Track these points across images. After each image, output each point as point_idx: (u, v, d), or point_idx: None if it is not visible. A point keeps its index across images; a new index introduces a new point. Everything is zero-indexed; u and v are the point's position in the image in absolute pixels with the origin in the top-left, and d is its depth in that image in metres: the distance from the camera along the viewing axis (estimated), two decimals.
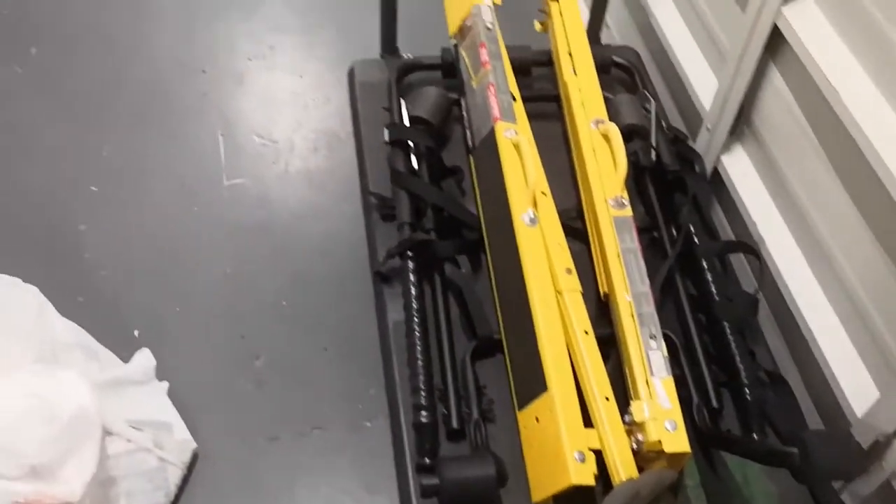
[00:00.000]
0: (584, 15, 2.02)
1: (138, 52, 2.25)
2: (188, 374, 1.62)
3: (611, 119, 1.58)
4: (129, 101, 2.13)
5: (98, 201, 1.92)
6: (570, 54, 1.69)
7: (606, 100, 1.65)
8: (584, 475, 1.15)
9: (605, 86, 1.68)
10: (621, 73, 1.87)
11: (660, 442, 1.17)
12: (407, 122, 1.67)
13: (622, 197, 1.45)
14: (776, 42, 1.47)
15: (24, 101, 2.09)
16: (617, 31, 2.18)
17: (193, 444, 1.51)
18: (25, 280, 1.46)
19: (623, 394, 1.29)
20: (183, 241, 1.87)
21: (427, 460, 1.26)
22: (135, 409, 1.46)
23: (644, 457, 1.21)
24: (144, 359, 1.53)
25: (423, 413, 1.29)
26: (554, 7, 1.77)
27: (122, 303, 1.74)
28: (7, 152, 1.99)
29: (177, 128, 2.08)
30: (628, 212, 1.44)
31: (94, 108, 2.10)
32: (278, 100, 2.18)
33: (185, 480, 1.49)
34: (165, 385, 1.55)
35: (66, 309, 1.54)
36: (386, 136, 1.65)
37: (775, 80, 1.52)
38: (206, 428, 1.55)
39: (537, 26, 1.85)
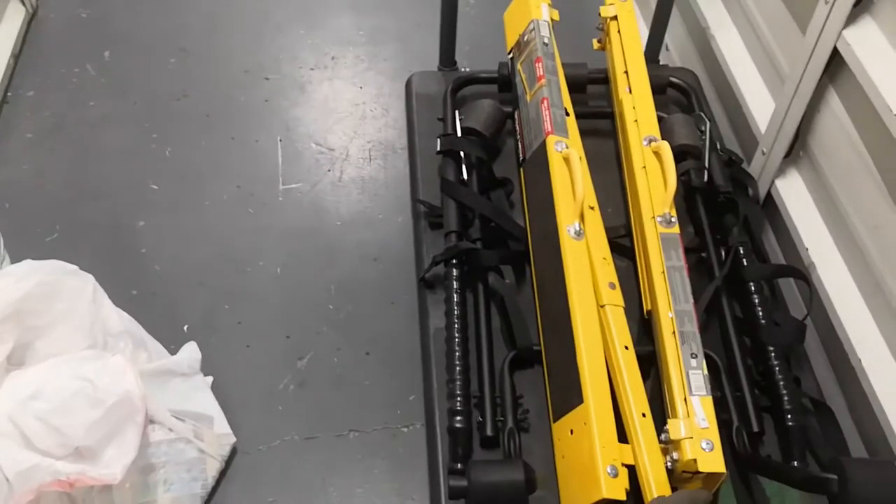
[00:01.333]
0: (644, 36, 2.02)
1: (207, 58, 2.32)
2: (233, 370, 1.66)
3: (665, 138, 1.57)
4: (194, 105, 2.19)
5: (158, 199, 1.98)
6: (626, 73, 1.69)
7: (661, 119, 1.65)
8: (616, 490, 1.14)
9: (661, 106, 1.68)
10: (678, 95, 1.86)
11: (695, 461, 1.16)
12: (460, 133, 1.69)
13: (670, 214, 1.44)
14: (836, 65, 1.45)
15: (95, 101, 2.17)
16: (677, 53, 2.17)
17: (233, 439, 1.53)
18: (83, 269, 1.51)
19: (662, 412, 1.28)
20: (236, 242, 1.91)
21: (459, 465, 1.26)
22: (178, 400, 1.50)
23: (679, 476, 1.19)
24: (191, 352, 1.56)
25: (458, 418, 1.29)
26: (612, 26, 1.78)
27: (174, 297, 1.78)
28: (75, 148, 2.07)
29: (238, 132, 2.14)
30: (676, 229, 1.42)
31: (161, 111, 2.17)
32: (337, 109, 2.22)
33: (223, 473, 1.52)
34: (210, 379, 1.58)
35: (120, 300, 1.59)
36: (438, 146, 1.67)
37: (833, 103, 1.50)
38: (246, 423, 1.58)
39: (595, 44, 1.86)
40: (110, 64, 2.27)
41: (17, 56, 2.15)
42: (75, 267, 1.43)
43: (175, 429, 1.45)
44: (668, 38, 2.07)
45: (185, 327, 1.73)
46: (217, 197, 1.99)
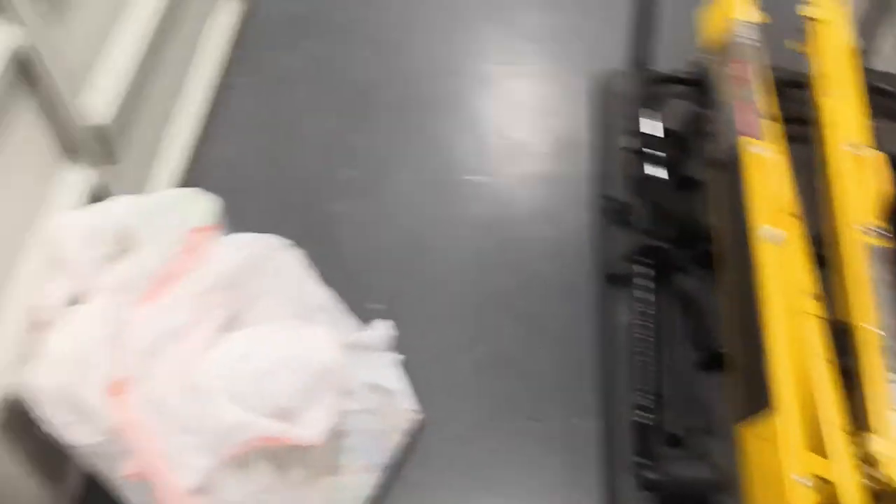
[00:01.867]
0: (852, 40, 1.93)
1: (399, 50, 2.41)
2: (418, 352, 1.73)
3: (873, 147, 1.51)
4: (386, 94, 2.29)
5: (351, 186, 2.09)
6: (831, 77, 1.63)
7: (870, 127, 1.58)
8: (805, 500, 1.12)
9: (869, 113, 1.61)
10: (886, 101, 1.77)
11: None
12: (651, 132, 1.69)
13: (880, 226, 1.38)
14: None
15: (294, 90, 2.31)
16: (884, 55, 2.07)
17: (418, 416, 1.61)
18: None
19: (862, 428, 1.23)
20: (423, 230, 1.99)
21: (643, 459, 1.27)
22: (370, 374, 1.58)
23: (882, 496, 1.15)
24: (385, 329, 1.65)
25: (645, 414, 1.30)
26: (818, 29, 1.72)
27: (365, 279, 1.88)
28: (276, 135, 2.21)
29: (426, 123, 2.22)
30: (886, 242, 1.37)
31: (355, 100, 2.28)
32: (522, 104, 2.27)
33: (404, 447, 1.60)
34: (400, 357, 1.66)
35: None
36: (628, 144, 1.68)
37: None
38: (429, 403, 1.65)
39: (798, 46, 1.80)
40: (314, 55, 2.40)
41: (233, 46, 2.32)
42: (289, 242, 1.54)
43: (366, 400, 1.54)
44: (881, 43, 1.97)
45: (375, 307, 1.81)
46: (406, 185, 2.08)
